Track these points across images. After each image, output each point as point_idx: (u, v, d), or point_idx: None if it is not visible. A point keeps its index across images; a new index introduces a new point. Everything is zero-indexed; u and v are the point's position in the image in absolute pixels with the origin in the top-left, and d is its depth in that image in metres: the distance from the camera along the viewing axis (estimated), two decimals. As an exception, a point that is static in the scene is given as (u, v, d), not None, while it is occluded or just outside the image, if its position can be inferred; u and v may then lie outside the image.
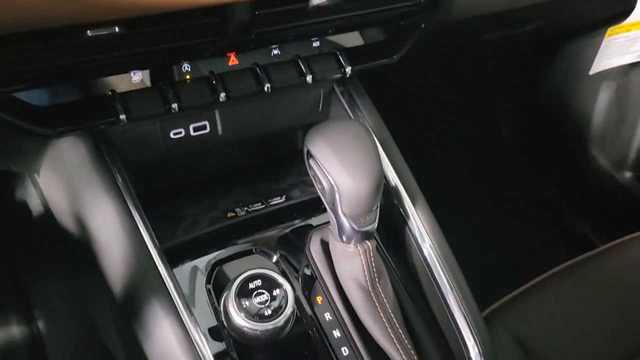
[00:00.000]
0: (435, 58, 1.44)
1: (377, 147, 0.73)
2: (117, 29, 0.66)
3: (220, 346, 0.74)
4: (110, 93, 0.73)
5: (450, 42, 1.15)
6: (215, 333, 0.75)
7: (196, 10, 0.70)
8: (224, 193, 0.90)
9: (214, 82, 0.78)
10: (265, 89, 0.80)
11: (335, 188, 0.70)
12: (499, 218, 1.70)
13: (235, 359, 0.73)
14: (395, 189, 0.86)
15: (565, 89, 1.57)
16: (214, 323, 0.75)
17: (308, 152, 0.72)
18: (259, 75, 0.80)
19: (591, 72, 1.34)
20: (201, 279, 0.79)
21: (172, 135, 0.82)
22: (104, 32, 0.65)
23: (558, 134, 1.67)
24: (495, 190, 1.77)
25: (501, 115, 1.81)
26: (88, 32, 0.64)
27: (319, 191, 0.73)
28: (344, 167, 0.69)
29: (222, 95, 0.77)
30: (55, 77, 0.70)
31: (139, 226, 0.74)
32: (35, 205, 0.94)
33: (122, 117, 0.73)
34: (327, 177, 0.70)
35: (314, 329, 0.77)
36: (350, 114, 0.91)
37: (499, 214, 1.72)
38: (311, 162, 0.72)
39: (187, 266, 0.80)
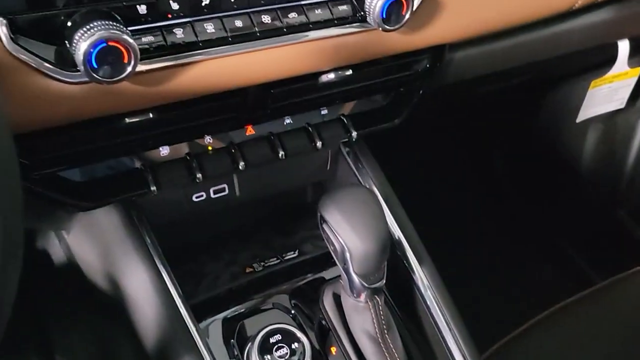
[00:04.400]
0: (432, 115, 1.52)
1: (382, 211, 0.80)
2: (151, 115, 0.74)
3: None
4: (141, 167, 0.81)
5: (446, 102, 1.24)
6: None
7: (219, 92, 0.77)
8: (241, 248, 0.97)
9: (233, 151, 0.86)
10: (280, 156, 0.88)
11: (347, 250, 0.77)
12: (498, 259, 1.75)
13: None
14: (400, 245, 0.93)
15: (554, 133, 1.65)
16: None
17: (321, 217, 0.79)
18: (273, 143, 0.88)
19: (578, 120, 1.43)
20: (222, 333, 0.85)
21: (194, 199, 0.89)
22: (140, 119, 0.73)
23: (550, 174, 1.74)
24: (494, 233, 1.82)
25: (495, 160, 1.88)
26: (126, 119, 0.72)
27: (332, 252, 0.80)
28: (353, 231, 0.76)
29: (242, 164, 0.85)
30: (96, 158, 0.77)
31: (168, 285, 0.81)
32: (59, 257, 1.01)
33: (153, 188, 0.80)
34: (339, 240, 0.77)
35: None
36: (356, 172, 0.99)
37: (499, 255, 1.77)
38: (324, 226, 0.79)
39: (210, 321, 0.87)
